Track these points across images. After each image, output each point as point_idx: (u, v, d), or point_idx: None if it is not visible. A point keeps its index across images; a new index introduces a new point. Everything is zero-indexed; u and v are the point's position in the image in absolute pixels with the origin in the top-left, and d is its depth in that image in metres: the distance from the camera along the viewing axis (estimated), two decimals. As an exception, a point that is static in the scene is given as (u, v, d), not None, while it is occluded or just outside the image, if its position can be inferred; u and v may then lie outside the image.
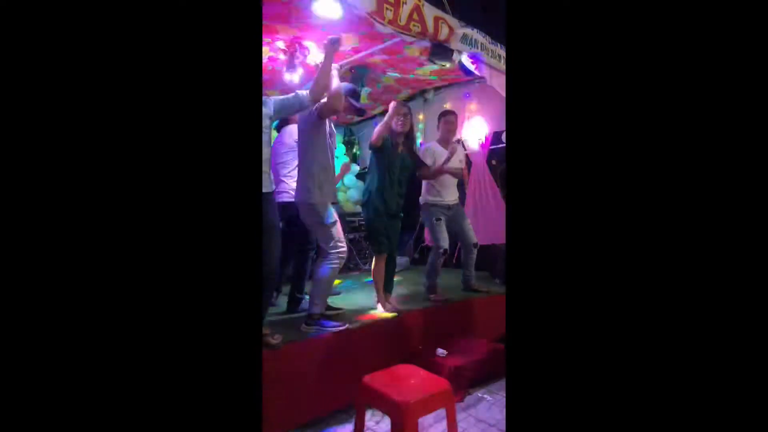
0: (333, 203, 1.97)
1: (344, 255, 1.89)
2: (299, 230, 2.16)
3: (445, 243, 2.45)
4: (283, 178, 2.31)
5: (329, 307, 2.07)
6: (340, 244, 1.87)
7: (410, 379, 1.40)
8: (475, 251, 2.61)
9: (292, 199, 2.13)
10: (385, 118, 2.15)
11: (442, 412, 1.38)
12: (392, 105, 2.17)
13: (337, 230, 1.89)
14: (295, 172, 2.23)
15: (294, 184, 2.10)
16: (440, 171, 2.46)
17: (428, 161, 2.48)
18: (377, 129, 2.16)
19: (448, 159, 2.41)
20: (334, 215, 1.89)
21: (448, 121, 2.60)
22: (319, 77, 1.74)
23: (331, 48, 1.75)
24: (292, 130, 2.31)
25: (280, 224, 1.75)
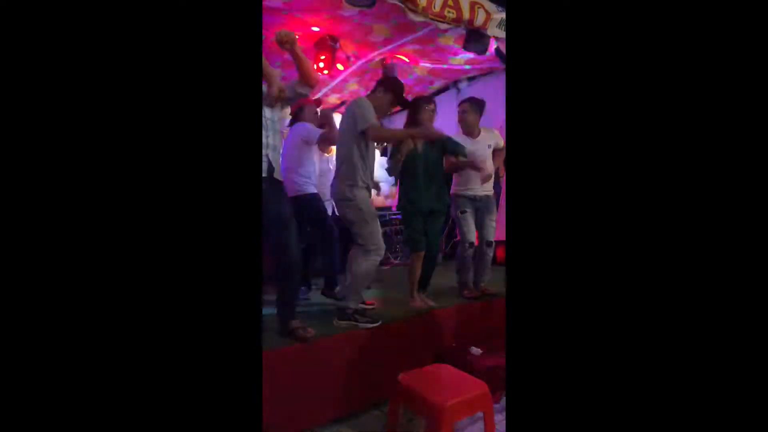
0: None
1: (383, 251, 1.89)
2: (312, 220, 2.31)
3: (472, 236, 2.36)
4: (292, 174, 2.36)
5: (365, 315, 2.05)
6: (379, 240, 1.87)
7: (447, 380, 1.35)
8: (489, 250, 2.43)
9: (301, 193, 2.34)
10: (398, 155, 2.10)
11: (477, 413, 1.33)
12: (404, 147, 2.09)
13: (377, 226, 1.88)
14: (303, 169, 2.36)
15: (300, 180, 2.32)
16: (450, 164, 2.33)
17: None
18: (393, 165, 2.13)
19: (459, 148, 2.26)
20: (373, 211, 1.89)
21: (463, 110, 2.42)
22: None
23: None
24: (299, 129, 2.42)
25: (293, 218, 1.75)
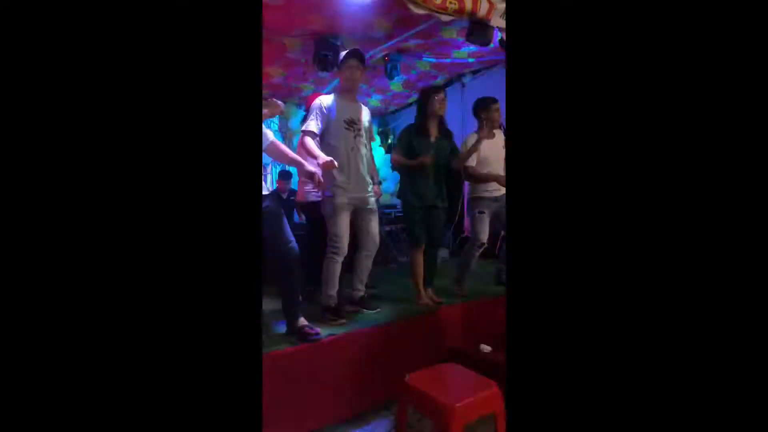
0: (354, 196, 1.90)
1: (337, 248, 1.85)
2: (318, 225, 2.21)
3: (484, 237, 2.31)
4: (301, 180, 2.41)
5: (367, 305, 2.03)
6: (335, 237, 1.85)
7: (456, 380, 1.32)
8: None
9: (308, 200, 2.33)
10: (409, 162, 2.11)
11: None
12: (420, 160, 2.08)
13: (336, 222, 1.85)
14: None
15: (308, 186, 2.30)
16: (461, 165, 2.25)
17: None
18: (401, 162, 2.12)
19: (472, 150, 2.19)
20: (333, 207, 1.86)
21: (498, 109, 2.33)
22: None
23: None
24: None
25: (284, 215, 1.71)
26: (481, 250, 2.34)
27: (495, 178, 2.24)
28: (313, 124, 1.86)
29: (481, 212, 2.31)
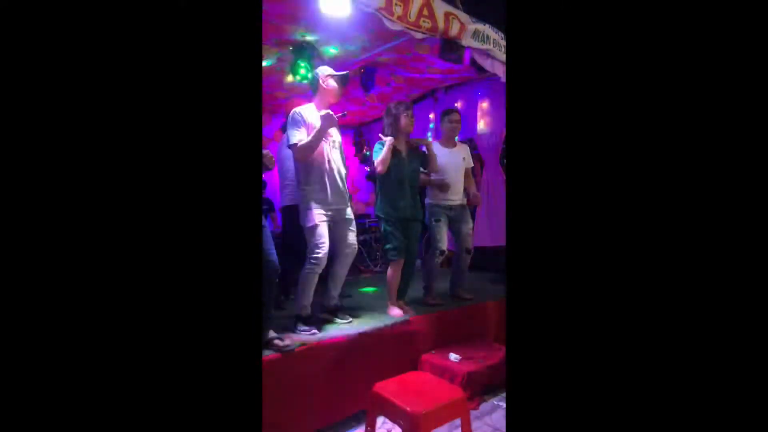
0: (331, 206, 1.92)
1: (317, 259, 1.83)
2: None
3: (442, 245, 2.37)
4: (285, 182, 2.40)
5: (340, 315, 2.03)
6: (316, 250, 1.83)
7: (423, 388, 1.34)
8: (468, 258, 2.49)
9: (291, 203, 2.32)
10: (385, 149, 2.09)
11: (456, 420, 1.33)
12: (388, 140, 2.09)
13: (316, 234, 1.84)
14: (290, 179, 2.34)
15: (291, 189, 2.31)
16: (425, 181, 2.36)
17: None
18: (382, 158, 2.09)
19: (433, 158, 2.29)
20: (313, 219, 1.85)
21: (452, 120, 2.49)
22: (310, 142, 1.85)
23: (327, 124, 1.83)
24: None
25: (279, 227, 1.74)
26: (442, 258, 2.40)
27: (439, 184, 2.31)
28: (300, 135, 1.87)
29: (437, 220, 2.39)
